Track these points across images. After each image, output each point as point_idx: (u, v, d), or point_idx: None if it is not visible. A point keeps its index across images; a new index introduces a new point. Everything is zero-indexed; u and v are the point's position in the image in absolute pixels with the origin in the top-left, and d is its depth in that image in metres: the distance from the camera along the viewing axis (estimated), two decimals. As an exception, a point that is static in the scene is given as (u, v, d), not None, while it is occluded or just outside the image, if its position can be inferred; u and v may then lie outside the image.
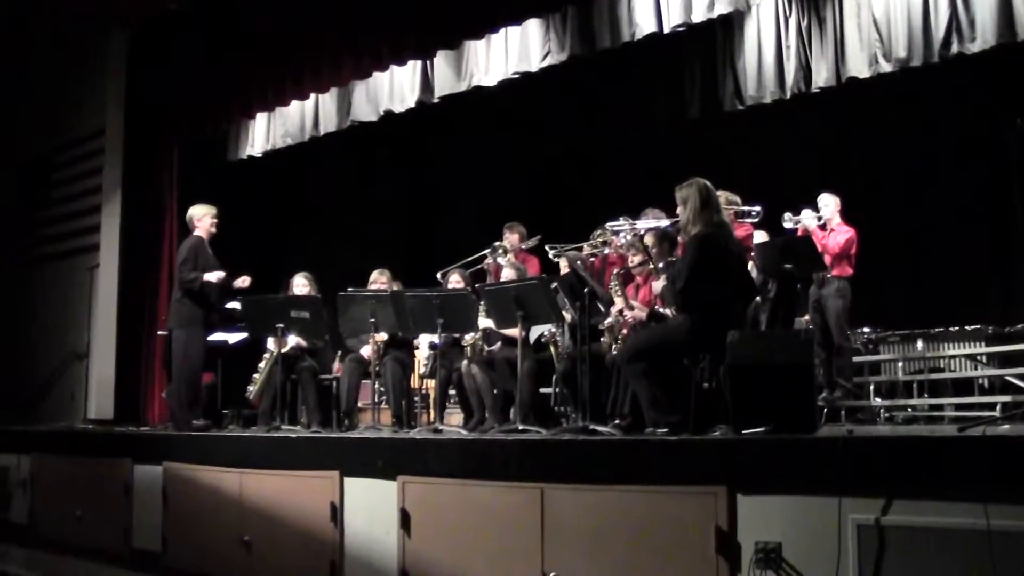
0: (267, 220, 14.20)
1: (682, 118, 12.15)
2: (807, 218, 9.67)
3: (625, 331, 7.78)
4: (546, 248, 8.90)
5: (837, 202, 9.78)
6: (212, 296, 10.04)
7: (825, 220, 9.72)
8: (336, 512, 7.32)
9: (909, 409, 10.05)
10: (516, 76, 10.58)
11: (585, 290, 7.48)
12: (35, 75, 14.46)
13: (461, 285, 9.38)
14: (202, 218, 10.25)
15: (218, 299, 10.25)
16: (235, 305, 10.30)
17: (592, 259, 8.86)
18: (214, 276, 9.87)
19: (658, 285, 7.47)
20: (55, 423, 12.54)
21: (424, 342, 9.82)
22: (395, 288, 9.71)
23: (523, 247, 10.13)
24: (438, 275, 9.72)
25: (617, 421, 7.44)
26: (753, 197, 9.26)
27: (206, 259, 10.04)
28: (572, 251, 8.80)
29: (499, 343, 9.11)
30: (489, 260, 9.97)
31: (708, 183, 6.82)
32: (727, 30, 11.32)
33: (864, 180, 11.41)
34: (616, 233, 8.27)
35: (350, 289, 9.46)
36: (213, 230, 10.27)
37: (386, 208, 15.64)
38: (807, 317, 9.66)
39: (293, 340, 9.93)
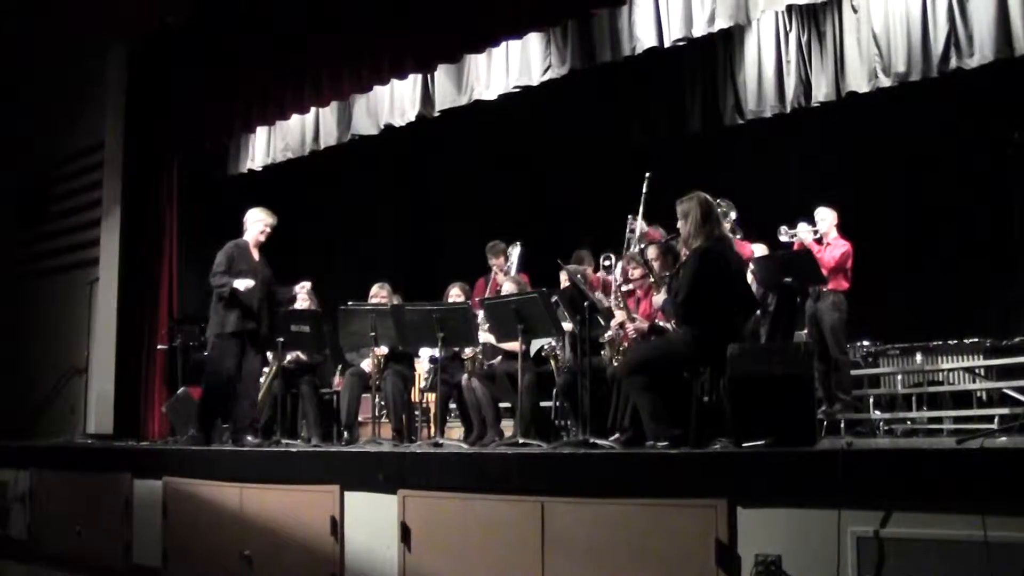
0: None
1: (683, 132, 12.20)
2: (803, 232, 9.69)
3: (626, 344, 7.80)
4: (559, 262, 8.87)
5: (834, 216, 9.81)
6: (248, 301, 9.42)
7: (821, 234, 9.74)
8: (336, 526, 7.31)
9: (908, 422, 10.07)
10: (517, 90, 10.61)
11: (585, 303, 7.48)
12: (35, 89, 14.47)
13: (461, 299, 9.39)
14: (255, 223, 9.75)
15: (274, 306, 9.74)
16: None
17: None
18: (242, 284, 9.23)
19: (659, 299, 7.48)
20: (54, 438, 12.53)
21: (424, 356, 9.83)
22: (395, 302, 9.71)
23: (510, 264, 10.12)
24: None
25: (617, 435, 7.44)
26: (753, 211, 9.31)
27: (245, 264, 9.49)
28: (573, 264, 8.81)
29: (499, 357, 9.13)
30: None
31: (709, 197, 6.84)
32: (727, 44, 11.41)
33: (863, 194, 11.43)
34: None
35: (350, 303, 9.47)
36: (262, 238, 9.77)
37: (387, 222, 15.68)
38: (807, 330, 9.68)
39: (293, 354, 9.92)
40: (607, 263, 8.54)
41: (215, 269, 9.38)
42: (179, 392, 10.79)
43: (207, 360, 9.57)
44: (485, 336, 8.89)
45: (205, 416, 9.54)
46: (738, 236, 8.96)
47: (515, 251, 10.27)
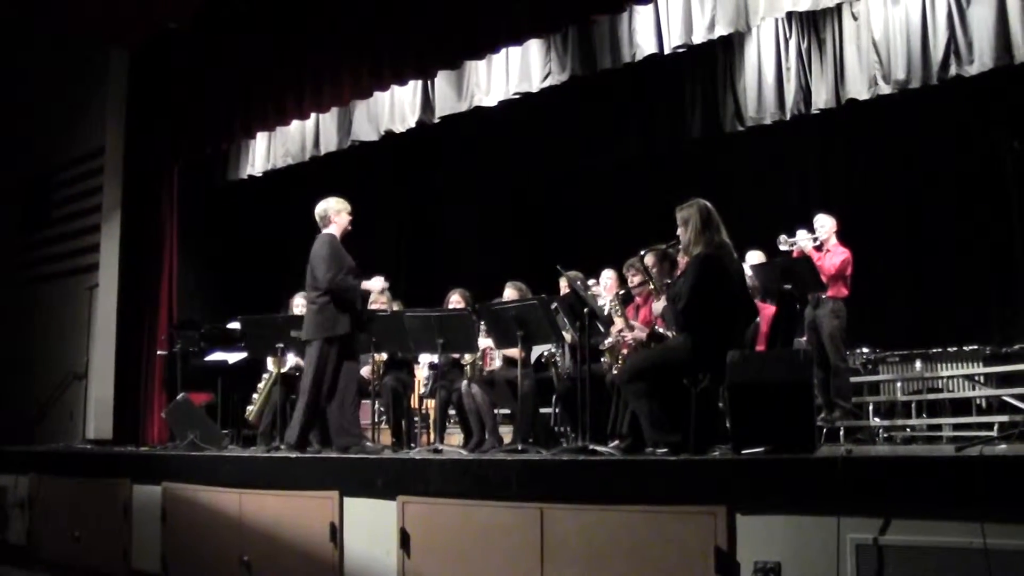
0: (267, 239, 14.21)
1: (682, 138, 12.20)
2: (803, 239, 9.67)
3: (625, 351, 7.79)
4: (558, 268, 8.80)
5: (833, 223, 9.78)
6: (358, 304, 8.72)
7: (821, 241, 9.71)
8: (336, 532, 7.31)
9: (908, 429, 10.06)
10: (517, 96, 10.62)
11: (585, 310, 7.48)
12: (36, 94, 14.50)
13: (461, 305, 9.39)
14: (340, 212, 8.88)
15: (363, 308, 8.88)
16: (235, 325, 10.27)
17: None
18: (376, 284, 8.75)
19: (658, 306, 7.48)
20: (54, 443, 12.51)
21: (424, 362, 9.83)
22: (395, 308, 9.70)
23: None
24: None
25: (617, 441, 7.45)
26: (753, 217, 9.28)
27: (349, 261, 8.69)
28: (573, 271, 8.80)
29: (498, 363, 9.13)
30: None
31: (709, 204, 6.84)
32: (728, 51, 11.42)
33: (863, 201, 11.44)
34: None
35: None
36: (349, 228, 8.93)
37: (387, 227, 15.67)
38: (806, 337, 9.67)
39: (293, 360, 9.92)
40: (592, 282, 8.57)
41: (331, 269, 8.53)
42: (178, 397, 10.77)
43: (312, 365, 8.57)
44: (485, 342, 8.89)
45: (307, 427, 8.66)
46: None
47: None
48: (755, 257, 9.64)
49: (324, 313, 8.56)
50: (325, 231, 8.83)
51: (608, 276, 9.02)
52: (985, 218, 10.57)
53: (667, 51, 9.72)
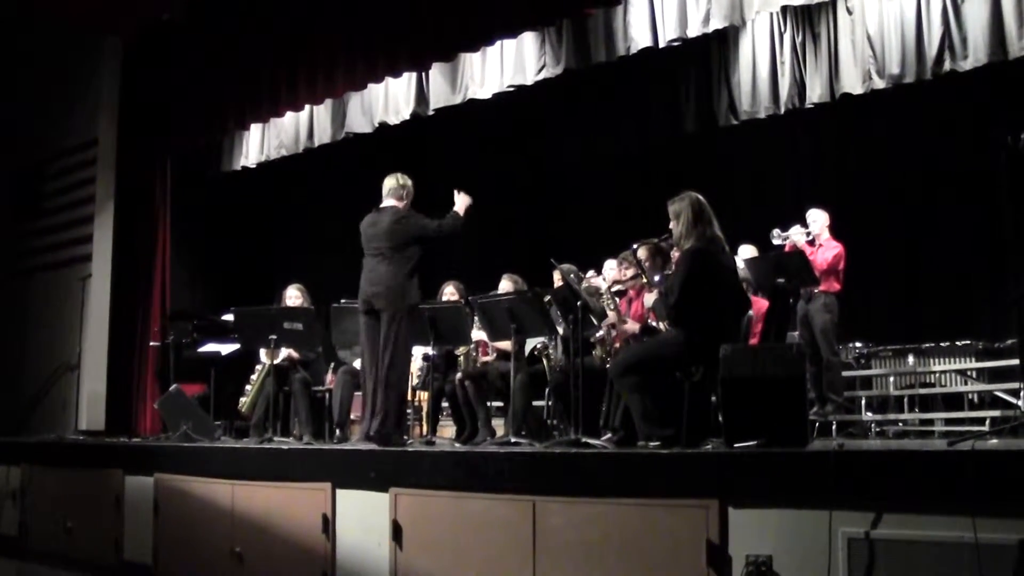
0: (260, 231, 14.18)
1: (677, 132, 12.19)
2: (796, 234, 9.68)
3: (617, 344, 7.79)
4: (552, 261, 8.77)
5: (826, 217, 9.80)
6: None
7: (814, 236, 9.72)
8: (328, 524, 7.30)
9: (900, 423, 10.09)
10: (511, 89, 10.61)
11: (578, 303, 7.48)
12: (29, 85, 14.44)
13: (455, 297, 9.38)
14: (411, 193, 8.92)
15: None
16: (228, 317, 10.25)
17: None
18: (464, 201, 8.71)
19: (649, 298, 7.48)
20: (46, 434, 12.48)
21: (417, 354, 9.82)
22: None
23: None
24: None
25: (609, 434, 7.45)
26: (746, 211, 9.27)
27: None
28: (566, 264, 8.80)
29: (493, 355, 9.13)
30: None
31: (701, 197, 6.83)
32: (722, 45, 11.42)
33: (856, 195, 11.44)
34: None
35: (343, 301, 9.45)
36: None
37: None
38: (798, 332, 9.68)
39: (285, 352, 9.90)
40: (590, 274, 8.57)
41: (425, 223, 8.65)
42: (171, 389, 10.75)
43: (401, 341, 8.13)
44: (478, 334, 8.90)
45: (400, 416, 8.29)
46: None
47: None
48: (748, 251, 9.66)
49: (406, 281, 8.34)
50: (398, 204, 8.75)
51: (610, 267, 9.03)
52: (977, 213, 10.59)
53: (662, 44, 9.71)
